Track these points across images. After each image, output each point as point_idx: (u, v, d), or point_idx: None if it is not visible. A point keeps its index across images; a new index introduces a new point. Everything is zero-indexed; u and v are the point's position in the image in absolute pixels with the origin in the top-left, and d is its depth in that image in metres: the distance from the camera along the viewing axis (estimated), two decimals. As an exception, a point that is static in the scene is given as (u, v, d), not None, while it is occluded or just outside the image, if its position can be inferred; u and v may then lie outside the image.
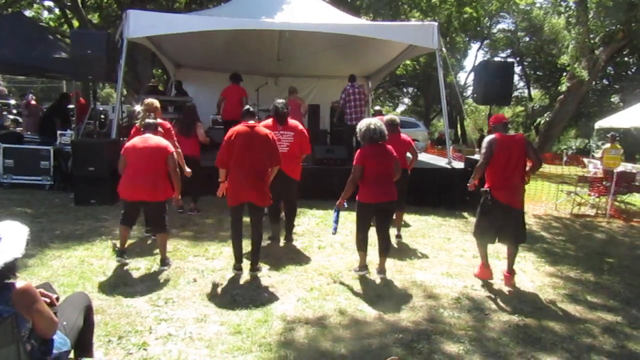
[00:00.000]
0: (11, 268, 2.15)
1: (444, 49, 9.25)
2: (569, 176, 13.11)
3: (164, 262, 4.88)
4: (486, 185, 4.90)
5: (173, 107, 10.46)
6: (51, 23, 23.26)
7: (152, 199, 4.74)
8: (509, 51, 33.37)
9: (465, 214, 8.04)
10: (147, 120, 5.05)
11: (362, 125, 4.86)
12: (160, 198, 4.79)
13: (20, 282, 2.18)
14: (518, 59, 31.72)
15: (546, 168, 17.19)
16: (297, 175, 5.82)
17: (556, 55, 27.71)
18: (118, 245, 5.01)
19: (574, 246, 6.85)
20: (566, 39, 23.85)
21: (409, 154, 6.24)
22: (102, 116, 12.43)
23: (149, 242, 5.69)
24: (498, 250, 5.62)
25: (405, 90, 41.06)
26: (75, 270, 4.68)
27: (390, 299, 4.41)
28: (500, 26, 34.04)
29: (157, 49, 11.62)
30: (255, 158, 4.66)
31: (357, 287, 4.65)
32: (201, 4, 17.69)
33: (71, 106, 11.71)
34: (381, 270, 4.93)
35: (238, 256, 4.83)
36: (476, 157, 8.79)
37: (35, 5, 23.27)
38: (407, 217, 7.29)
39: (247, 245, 4.94)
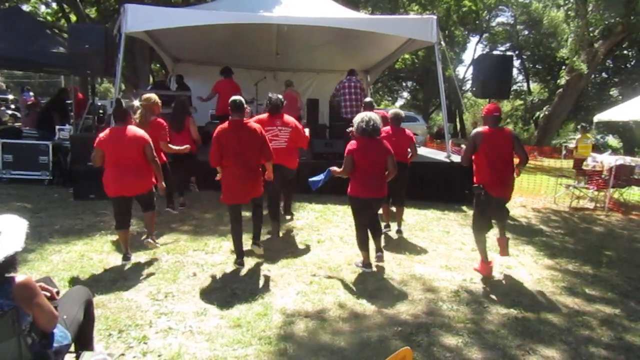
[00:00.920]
0: (11, 262, 2.16)
1: (442, 43, 9.22)
2: (568, 170, 13.13)
3: (150, 235, 4.95)
4: (475, 180, 4.91)
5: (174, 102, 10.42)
6: (49, 18, 23.19)
7: (138, 191, 4.75)
8: (508, 45, 33.31)
9: (464, 208, 8.05)
10: (118, 109, 4.81)
11: (357, 118, 4.87)
12: (148, 188, 4.81)
13: (20, 276, 2.19)
14: (517, 52, 31.67)
15: (545, 162, 17.23)
16: (295, 165, 5.97)
17: (555, 48, 27.68)
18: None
19: (572, 239, 6.87)
20: (565, 32, 23.84)
21: (408, 149, 6.23)
22: (101, 111, 12.40)
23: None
24: (495, 244, 5.62)
25: (404, 84, 41.00)
26: (75, 264, 4.69)
27: (389, 292, 4.43)
28: (499, 19, 34.02)
29: (155, 44, 11.58)
30: (245, 154, 4.67)
31: (357, 280, 4.66)
32: (199, -2, 17.59)
33: (69, 101, 11.69)
34: (378, 249, 5.02)
35: (239, 252, 4.87)
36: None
37: (32, 0, 23.17)
38: (406, 211, 7.29)
39: (246, 239, 4.98)
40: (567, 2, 21.52)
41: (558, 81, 23.06)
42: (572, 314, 4.19)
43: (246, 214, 4.99)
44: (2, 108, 22.79)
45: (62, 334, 2.45)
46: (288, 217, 6.62)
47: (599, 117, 13.90)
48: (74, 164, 7.69)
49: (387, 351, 3.12)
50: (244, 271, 4.76)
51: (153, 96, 5.76)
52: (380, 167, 4.76)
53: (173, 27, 8.79)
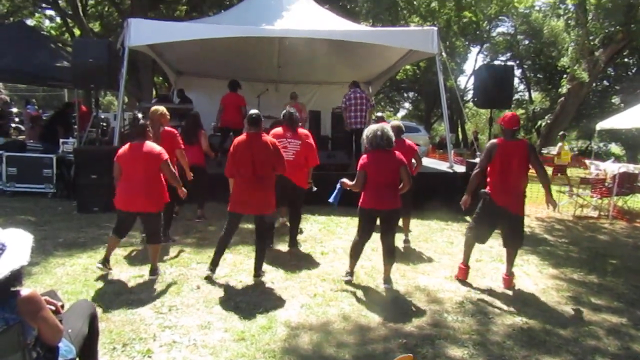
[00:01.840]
0: (17, 276, 2.16)
1: (443, 54, 9.27)
2: (571, 178, 13.10)
3: (154, 271, 4.80)
4: (487, 188, 4.90)
5: (177, 115, 10.48)
6: (52, 32, 23.43)
7: (147, 209, 4.65)
8: (508, 54, 33.41)
9: (468, 218, 8.00)
10: (135, 126, 4.85)
11: (369, 131, 4.76)
12: (154, 209, 4.69)
13: (25, 289, 2.19)
14: (518, 62, 31.77)
15: (548, 170, 17.19)
16: (304, 183, 5.84)
17: (556, 57, 27.74)
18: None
19: (577, 248, 6.85)
20: (566, 41, 23.92)
21: (413, 160, 6.22)
22: (104, 124, 12.47)
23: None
24: (501, 255, 5.60)
25: (405, 94, 41.10)
26: (79, 277, 4.69)
27: (393, 304, 4.41)
28: (499, 29, 34.15)
29: (158, 57, 11.68)
30: (258, 167, 4.67)
31: (361, 292, 4.65)
32: (201, 12, 17.80)
33: (72, 115, 11.76)
34: (386, 279, 4.79)
35: (215, 262, 4.82)
36: (477, 160, 8.82)
37: (36, 15, 23.44)
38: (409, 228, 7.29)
39: (248, 251, 4.97)
40: (566, 11, 21.64)
41: (559, 90, 23.11)
42: (578, 324, 4.17)
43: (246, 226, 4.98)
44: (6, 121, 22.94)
45: (67, 348, 2.45)
46: (292, 249, 5.93)
47: (601, 125, 13.88)
48: (77, 176, 7.72)
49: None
50: (247, 284, 4.75)
51: (160, 108, 5.74)
52: (393, 178, 4.65)
53: (176, 41, 8.87)
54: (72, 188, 8.09)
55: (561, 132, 15.32)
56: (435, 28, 9.16)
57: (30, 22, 21.31)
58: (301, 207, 6.04)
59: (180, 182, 4.89)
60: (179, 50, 10.65)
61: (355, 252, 4.86)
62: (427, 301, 4.51)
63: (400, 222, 6.27)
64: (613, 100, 25.94)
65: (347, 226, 7.12)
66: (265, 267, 5.09)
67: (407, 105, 44.18)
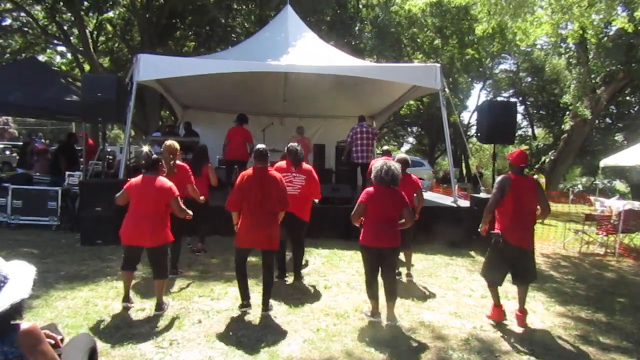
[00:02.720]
0: (17, 309, 2.14)
1: (447, 89, 9.40)
2: (576, 214, 13.04)
3: (160, 306, 4.73)
4: (497, 227, 4.83)
5: (182, 148, 10.58)
6: (63, 67, 23.95)
7: (153, 244, 4.63)
8: (511, 91, 33.73)
9: (472, 253, 7.97)
10: (148, 159, 4.85)
11: (376, 164, 4.73)
12: (161, 242, 4.67)
13: (25, 323, 2.17)
14: (521, 98, 32.06)
15: (553, 207, 17.11)
16: (307, 217, 5.87)
17: (558, 94, 28.01)
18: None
19: (583, 285, 6.74)
20: (567, 79, 24.19)
21: (415, 195, 6.20)
22: (110, 157, 12.60)
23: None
24: (507, 290, 5.53)
25: (409, 129, 41.39)
26: (80, 311, 4.64)
27: (398, 340, 4.33)
28: (502, 67, 34.53)
29: (166, 91, 11.88)
30: (265, 201, 4.68)
31: (365, 328, 4.58)
32: (209, 48, 18.19)
33: (79, 148, 11.90)
34: (389, 317, 4.67)
35: (245, 295, 4.81)
36: (482, 195, 8.81)
37: (48, 51, 24.02)
38: (413, 257, 7.22)
39: (252, 284, 4.93)
40: (568, 50, 21.96)
41: (562, 126, 23.23)
42: (586, 364, 4.07)
43: (252, 258, 4.95)
44: (14, 154, 23.21)
45: (65, 383, 2.41)
46: (296, 282, 5.93)
47: (605, 162, 13.93)
48: (82, 209, 7.74)
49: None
50: (249, 318, 4.69)
51: (173, 142, 5.81)
52: (394, 215, 4.59)
53: (183, 76, 9.03)
54: (76, 221, 8.10)
55: (536, 166, 15.72)
56: (438, 65, 9.31)
57: (41, 57, 21.83)
58: (304, 240, 6.03)
59: (188, 213, 4.85)
60: (186, 84, 10.83)
61: (372, 292, 4.72)
62: (431, 337, 4.43)
63: (402, 256, 6.24)
64: (616, 138, 26.03)
65: (351, 260, 7.07)
66: (263, 313, 5.01)
67: (411, 139, 44.45)
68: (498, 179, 4.93)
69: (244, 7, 19.52)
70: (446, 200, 9.93)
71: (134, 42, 20.48)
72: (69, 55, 24.08)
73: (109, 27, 22.05)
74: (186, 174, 5.73)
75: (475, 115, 30.86)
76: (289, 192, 5.10)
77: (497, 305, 4.93)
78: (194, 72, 8.94)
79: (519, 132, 32.65)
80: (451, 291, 5.93)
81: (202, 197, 5.98)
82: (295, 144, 5.97)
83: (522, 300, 4.89)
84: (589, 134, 23.18)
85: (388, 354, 4.02)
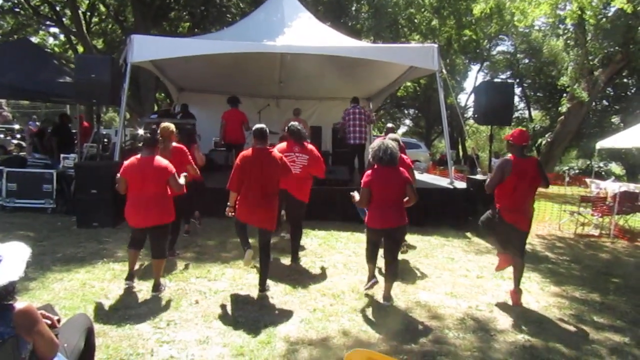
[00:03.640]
0: (10, 290, 2.13)
1: (444, 71, 9.33)
2: (572, 196, 13.08)
3: (157, 287, 4.76)
4: (497, 205, 4.90)
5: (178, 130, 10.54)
6: (56, 49, 23.64)
7: (159, 222, 4.67)
8: (508, 73, 33.64)
9: (468, 234, 8.01)
10: (145, 137, 4.87)
11: (374, 145, 4.74)
12: (166, 220, 4.74)
13: (20, 303, 2.17)
14: (518, 80, 31.96)
15: (549, 189, 17.21)
16: (306, 198, 5.87)
17: (556, 76, 27.92)
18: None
19: (578, 266, 6.80)
20: (565, 61, 24.11)
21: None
22: (105, 140, 12.51)
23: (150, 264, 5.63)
24: (503, 271, 5.56)
25: (406, 111, 41.33)
26: (76, 292, 4.65)
27: (394, 319, 4.36)
28: (499, 48, 34.43)
29: (160, 73, 11.76)
30: (265, 182, 4.68)
31: (361, 308, 4.60)
32: (204, 29, 17.98)
33: (74, 131, 11.80)
34: (387, 297, 4.74)
35: (245, 241, 4.89)
36: (478, 177, 8.83)
37: (40, 32, 23.68)
38: (410, 238, 7.25)
39: (249, 267, 4.95)
40: (566, 31, 21.84)
41: (559, 109, 23.20)
42: (580, 343, 4.12)
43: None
44: (8, 137, 23.08)
45: (62, 363, 2.41)
46: (293, 263, 5.92)
47: (601, 144, 13.92)
48: (77, 192, 7.71)
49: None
50: (246, 299, 4.71)
51: (170, 125, 5.79)
52: (398, 194, 4.60)
53: (178, 57, 8.93)
54: (72, 203, 8.07)
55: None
56: (436, 45, 9.23)
57: (34, 39, 21.52)
58: (302, 221, 6.02)
59: (183, 188, 4.86)
60: (181, 66, 10.72)
61: (371, 256, 4.81)
62: (427, 317, 4.47)
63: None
64: (613, 120, 26.01)
65: (347, 241, 7.09)
66: (259, 294, 5.05)
67: (407, 122, 44.41)
68: (499, 161, 4.97)
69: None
70: (443, 182, 9.93)
71: (128, 23, 20.20)
72: (61, 37, 23.78)
73: (102, 8, 21.73)
74: (184, 155, 5.74)
75: (472, 97, 30.79)
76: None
77: (501, 252, 5.04)
78: (189, 53, 8.83)
79: (516, 114, 32.57)
80: (447, 272, 5.96)
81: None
82: (296, 123, 5.95)
83: (517, 279, 4.94)
84: (586, 116, 23.17)
85: (384, 333, 4.05)
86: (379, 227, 4.60)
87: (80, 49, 20.67)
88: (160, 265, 4.80)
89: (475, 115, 9.45)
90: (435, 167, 20.48)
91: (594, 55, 20.00)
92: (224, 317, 4.22)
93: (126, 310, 4.27)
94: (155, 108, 18.90)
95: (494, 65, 34.24)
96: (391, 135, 6.16)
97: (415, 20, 21.78)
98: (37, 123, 17.40)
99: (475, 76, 40.20)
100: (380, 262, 4.99)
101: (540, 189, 5.15)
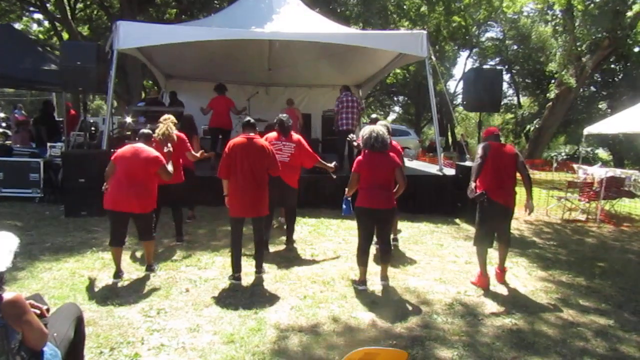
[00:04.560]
0: None
1: (433, 58, 9.32)
2: (559, 182, 13.22)
3: (150, 267, 4.98)
4: (479, 190, 4.96)
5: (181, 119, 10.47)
6: (40, 36, 23.22)
7: (141, 210, 4.73)
8: (497, 59, 33.65)
9: (457, 221, 8.07)
10: (142, 130, 5.09)
11: (364, 132, 4.84)
12: (148, 210, 4.82)
13: (9, 293, 2.16)
14: (507, 66, 31.99)
15: (536, 174, 17.34)
16: (296, 183, 6.04)
17: (544, 63, 28.00)
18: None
19: (565, 251, 6.89)
20: (553, 47, 24.13)
21: None
22: (93, 128, 12.38)
23: (140, 253, 5.62)
24: (491, 257, 5.61)
25: (395, 98, 41.29)
26: (66, 282, 4.63)
27: (383, 305, 4.41)
28: (488, 34, 34.40)
29: (148, 60, 11.61)
30: (253, 169, 4.79)
31: (351, 294, 4.64)
32: (191, 15, 17.75)
33: (59, 119, 11.67)
34: (383, 277, 4.89)
35: (236, 266, 4.86)
36: (467, 164, 8.87)
37: (24, 18, 23.23)
38: (399, 224, 7.30)
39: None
40: (554, 17, 21.83)
41: (547, 95, 23.31)
42: (566, 326, 4.19)
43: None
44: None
45: (52, 352, 2.41)
46: (288, 246, 6.17)
47: (589, 129, 14.02)
48: (65, 180, 7.64)
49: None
50: (237, 286, 4.72)
51: (170, 115, 6.00)
52: (388, 179, 4.72)
53: (165, 44, 8.83)
54: (60, 192, 8.00)
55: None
56: (425, 32, 9.19)
57: (17, 26, 21.11)
58: (295, 206, 6.19)
59: (172, 176, 5.00)
60: (169, 53, 10.61)
61: (362, 259, 4.84)
62: (417, 303, 4.51)
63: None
64: (600, 106, 26.19)
65: (337, 229, 7.12)
66: (256, 275, 5.09)
67: (397, 109, 44.41)
68: (480, 145, 5.15)
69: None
70: (432, 169, 9.98)
71: (114, 10, 19.87)
72: (46, 24, 23.33)
73: (87, -6, 21.35)
74: (184, 143, 5.98)
75: (461, 84, 30.83)
76: (279, 159, 5.24)
77: (484, 275, 5.04)
78: (176, 40, 8.73)
79: (505, 100, 32.70)
80: (436, 258, 6.02)
81: (200, 154, 6.22)
82: (284, 115, 6.09)
83: (501, 259, 5.16)
84: (574, 103, 23.31)
85: (373, 319, 4.09)
86: (367, 206, 4.68)
87: (65, 35, 20.35)
88: (150, 247, 5.00)
89: (464, 102, 9.45)
90: (424, 153, 20.54)
91: (582, 42, 20.05)
92: (214, 305, 4.23)
93: (116, 299, 4.26)
94: (143, 95, 18.70)
95: (483, 51, 34.24)
96: (381, 121, 6.23)
97: (404, 7, 21.66)
98: (23, 111, 17.14)
99: (464, 63, 40.29)
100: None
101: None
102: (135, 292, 4.45)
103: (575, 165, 16.03)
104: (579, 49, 20.09)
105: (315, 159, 6.15)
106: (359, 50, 10.06)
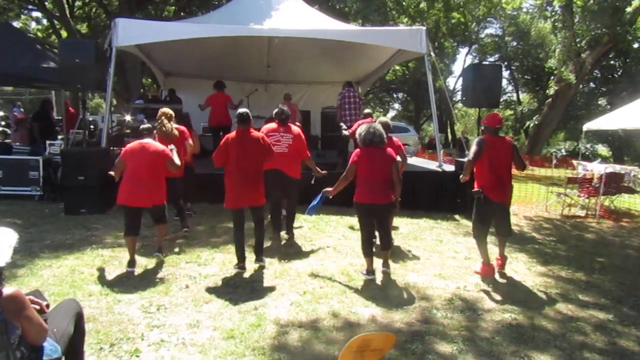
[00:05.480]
0: None
1: (432, 54, 9.31)
2: (559, 178, 13.22)
3: (160, 249, 5.26)
4: (476, 186, 5.12)
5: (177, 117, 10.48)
6: (39, 34, 23.17)
7: (153, 203, 5.01)
8: (496, 55, 33.62)
9: (457, 217, 8.07)
10: (143, 126, 5.27)
11: (362, 129, 4.97)
12: (161, 201, 5.13)
13: (8, 288, 2.16)
14: (506, 63, 31.98)
15: (536, 170, 17.38)
16: (298, 174, 6.11)
17: (543, 59, 28.00)
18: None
19: (564, 246, 6.90)
20: (553, 43, 24.13)
21: (398, 157, 6.27)
22: (92, 126, 12.36)
23: (141, 249, 5.61)
24: (491, 252, 5.63)
25: (395, 95, 41.26)
26: (65, 279, 4.63)
27: (383, 301, 4.41)
28: (487, 31, 34.37)
29: (147, 58, 11.60)
30: (248, 161, 4.91)
31: (350, 290, 4.64)
32: (190, 12, 17.72)
33: (58, 117, 11.64)
34: (385, 264, 5.04)
35: (241, 256, 5.02)
36: (465, 159, 8.86)
37: (22, 16, 23.17)
38: (399, 220, 7.31)
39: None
40: (553, 13, 21.80)
41: (547, 91, 23.32)
42: (566, 320, 4.20)
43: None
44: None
45: (52, 348, 2.42)
46: (288, 235, 6.29)
47: (588, 126, 14.02)
48: (64, 179, 7.63)
49: (382, 360, 3.09)
50: (236, 282, 4.72)
51: (168, 110, 6.16)
52: (385, 173, 4.81)
53: (164, 41, 8.81)
54: (59, 190, 7.99)
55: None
56: (424, 28, 9.18)
57: (16, 24, 21.06)
58: (296, 196, 6.25)
59: (179, 168, 5.23)
60: (167, 50, 10.59)
61: (367, 250, 4.97)
62: (416, 298, 4.52)
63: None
64: (600, 102, 26.16)
65: (337, 225, 7.12)
66: (255, 265, 5.12)
67: (396, 105, 44.36)
68: (475, 140, 5.25)
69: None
70: (431, 165, 9.98)
71: (112, 7, 19.83)
72: (44, 22, 23.29)
73: (86, -9, 21.31)
74: (183, 135, 6.21)
75: (460, 81, 30.78)
76: (277, 150, 5.45)
77: (487, 263, 5.19)
78: (175, 37, 8.71)
79: (504, 97, 32.72)
80: (436, 254, 6.02)
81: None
82: (284, 107, 6.19)
83: (501, 248, 5.32)
84: (573, 99, 23.30)
85: (373, 314, 4.10)
86: (366, 202, 4.79)
87: (64, 33, 20.29)
88: (162, 230, 5.32)
89: (464, 98, 9.44)
90: (424, 150, 20.52)
91: (582, 38, 20.06)
92: (214, 301, 4.24)
93: (116, 296, 4.27)
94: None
95: (482, 48, 34.21)
96: (381, 118, 6.40)
97: (404, 3, 21.59)
98: (22, 109, 17.11)
99: (463, 59, 40.12)
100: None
101: (528, 172, 5.25)
102: (134, 289, 4.45)
103: (574, 162, 16.03)
104: (579, 45, 20.09)
105: (305, 157, 6.18)
106: (358, 47, 10.04)
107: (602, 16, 17.74)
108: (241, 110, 5.17)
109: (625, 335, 3.96)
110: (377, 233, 5.20)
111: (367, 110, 7.64)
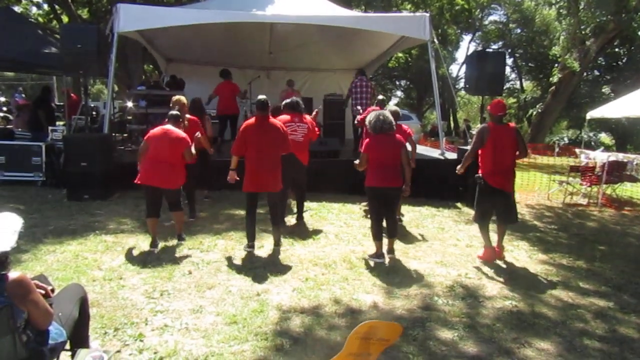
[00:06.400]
0: (2, 261, 2.13)
1: (435, 41, 9.24)
2: (561, 167, 13.20)
3: (180, 237, 5.47)
4: (480, 172, 5.20)
5: (166, 102, 10.44)
6: (40, 19, 23.01)
7: (170, 186, 5.22)
8: (500, 43, 33.34)
9: (459, 204, 8.08)
10: (172, 112, 5.47)
11: (371, 116, 5.12)
12: (177, 186, 5.32)
13: (14, 273, 2.18)
14: (510, 50, 31.73)
15: (538, 159, 17.33)
16: (307, 161, 6.35)
17: (547, 46, 27.78)
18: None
19: (566, 234, 6.91)
20: (557, 31, 23.94)
21: (407, 144, 6.30)
22: (94, 112, 12.35)
23: (145, 237, 5.64)
24: (493, 241, 5.64)
25: (397, 83, 40.99)
26: (69, 264, 4.67)
27: (384, 287, 4.44)
28: (491, 18, 34.05)
29: (148, 44, 11.55)
30: (268, 147, 5.08)
31: (352, 277, 4.67)
32: (192, -2, 17.55)
33: (60, 103, 11.62)
34: (390, 250, 5.21)
35: (251, 235, 5.23)
36: (468, 147, 8.85)
37: (23, 1, 23.00)
38: (401, 208, 7.32)
39: (240, 237, 4.98)
40: (558, 0, 21.61)
41: (550, 79, 23.14)
42: (566, 308, 4.22)
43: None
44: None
45: (57, 331, 2.44)
46: (297, 221, 6.53)
47: (592, 114, 13.96)
48: (67, 164, 7.64)
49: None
50: (239, 269, 4.75)
51: (182, 98, 6.28)
52: (395, 159, 4.99)
53: (166, 27, 8.76)
54: (62, 176, 8.01)
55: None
56: (427, 14, 9.11)
57: (17, 8, 20.90)
58: (305, 182, 6.47)
59: (194, 158, 5.44)
60: (169, 36, 10.53)
61: (377, 234, 5.12)
62: (417, 285, 4.54)
63: None
64: (603, 90, 25.99)
65: (339, 212, 7.13)
66: (258, 252, 5.16)
67: (399, 93, 44.07)
68: (478, 128, 5.32)
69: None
70: (434, 153, 9.96)
71: (113, -8, 19.67)
72: (45, 6, 23.11)
73: (87, -24, 21.12)
74: (197, 126, 6.21)
75: (464, 68, 30.63)
76: (293, 138, 5.67)
77: (489, 247, 5.29)
78: (176, 23, 8.66)
79: (508, 84, 32.47)
80: (437, 241, 6.04)
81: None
82: (297, 98, 6.42)
83: (500, 237, 5.38)
84: (577, 87, 23.16)
85: (374, 301, 4.12)
86: (377, 185, 4.99)
87: (65, 18, 20.17)
88: (180, 218, 5.48)
89: (467, 86, 9.39)
90: (426, 138, 20.45)
91: (586, 25, 19.86)
92: (217, 287, 4.27)
93: (119, 281, 4.30)
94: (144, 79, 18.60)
95: (485, 35, 33.92)
96: (391, 107, 6.54)
97: (407, -11, 21.47)
98: (23, 95, 17.09)
99: (467, 46, 39.84)
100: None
101: (531, 160, 5.25)
102: (138, 274, 4.49)
103: (577, 150, 16.00)
104: (583, 32, 19.92)
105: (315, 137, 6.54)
106: (361, 33, 9.98)
107: (607, 3, 17.58)
108: (260, 97, 5.25)
109: (625, 322, 3.98)
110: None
111: (380, 97, 7.71)
